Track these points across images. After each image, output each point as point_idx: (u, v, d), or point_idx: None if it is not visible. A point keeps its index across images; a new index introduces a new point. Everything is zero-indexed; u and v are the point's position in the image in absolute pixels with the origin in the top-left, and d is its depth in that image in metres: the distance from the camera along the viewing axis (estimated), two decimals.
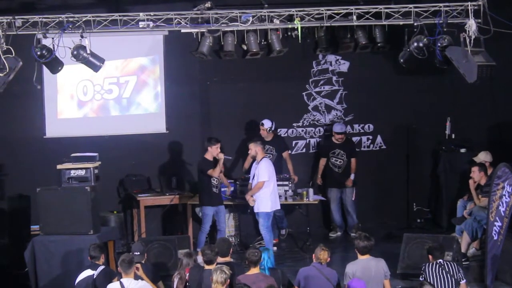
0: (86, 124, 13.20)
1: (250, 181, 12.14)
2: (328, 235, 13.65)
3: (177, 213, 13.29)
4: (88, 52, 10.60)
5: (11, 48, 10.30)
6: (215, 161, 11.97)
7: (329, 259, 9.21)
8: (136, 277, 8.88)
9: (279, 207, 12.08)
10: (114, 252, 11.24)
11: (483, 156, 12.41)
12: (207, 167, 11.89)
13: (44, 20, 10.52)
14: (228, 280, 8.33)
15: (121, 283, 8.65)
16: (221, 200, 12.18)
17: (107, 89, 13.24)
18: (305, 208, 12.85)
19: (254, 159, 12.13)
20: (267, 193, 11.81)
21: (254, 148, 11.91)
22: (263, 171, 11.77)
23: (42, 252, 10.66)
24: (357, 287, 8.66)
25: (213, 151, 11.90)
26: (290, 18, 11.04)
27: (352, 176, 13.42)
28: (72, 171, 10.88)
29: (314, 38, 13.55)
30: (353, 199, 13.45)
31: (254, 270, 8.84)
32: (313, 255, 9.25)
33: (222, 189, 12.47)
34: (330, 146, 13.50)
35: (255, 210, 11.93)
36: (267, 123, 13.02)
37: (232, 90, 13.81)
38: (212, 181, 11.95)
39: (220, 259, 9.14)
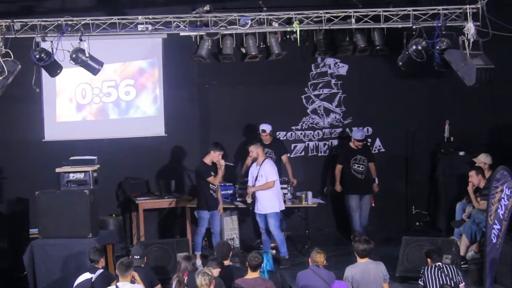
0: (85, 127, 13.20)
1: (250, 184, 12.14)
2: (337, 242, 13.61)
3: (176, 216, 13.30)
4: (87, 55, 10.59)
5: (9, 52, 10.29)
6: (214, 165, 11.95)
7: (325, 261, 9.24)
8: (133, 282, 8.88)
9: (284, 207, 12.11)
10: (113, 256, 11.24)
11: (483, 158, 12.41)
12: (206, 172, 11.88)
13: (43, 23, 10.51)
14: (214, 281, 8.32)
15: (117, 286, 8.65)
16: (218, 204, 12.18)
17: (105, 92, 13.24)
18: (304, 211, 12.84)
19: (254, 161, 12.15)
20: (275, 193, 11.91)
21: (255, 150, 11.95)
22: (270, 171, 11.88)
23: (40, 255, 10.65)
24: None
25: (215, 157, 11.90)
26: (289, 21, 11.04)
27: (376, 181, 13.35)
28: (71, 175, 10.88)
29: (313, 41, 13.52)
30: (372, 205, 13.34)
31: (253, 274, 8.85)
32: (309, 258, 9.28)
33: (223, 192, 12.52)
34: (351, 152, 13.29)
35: (263, 212, 11.97)
36: (268, 128, 12.99)
37: (231, 93, 13.81)
38: (211, 185, 11.95)
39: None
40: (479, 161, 12.37)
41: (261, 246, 12.50)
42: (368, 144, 13.82)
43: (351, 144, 13.32)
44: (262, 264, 9.02)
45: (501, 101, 13.70)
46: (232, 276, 9.06)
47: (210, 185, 11.93)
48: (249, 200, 12.15)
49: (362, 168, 13.24)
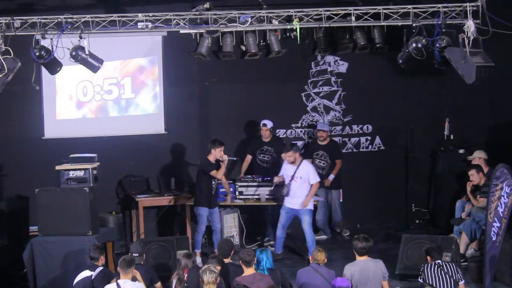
0: (84, 125, 13.19)
1: (287, 182, 12.06)
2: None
3: (176, 214, 13.30)
4: (87, 53, 10.59)
5: (9, 49, 10.29)
6: (217, 163, 11.97)
7: (325, 260, 9.26)
8: (134, 280, 8.88)
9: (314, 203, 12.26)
10: (112, 253, 11.23)
11: (478, 153, 12.45)
12: (210, 168, 11.90)
13: (42, 21, 10.51)
14: (219, 278, 8.34)
15: (117, 284, 8.66)
16: (217, 202, 12.21)
17: (107, 90, 13.24)
18: None
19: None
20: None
21: (294, 155, 11.96)
22: (314, 173, 11.99)
23: (40, 253, 10.65)
24: (343, 285, 8.65)
25: (216, 154, 11.91)
26: (289, 19, 11.03)
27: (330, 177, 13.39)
28: (71, 172, 10.88)
29: (312, 39, 13.55)
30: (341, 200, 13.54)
31: (249, 271, 8.88)
32: (310, 256, 9.30)
33: (221, 190, 12.53)
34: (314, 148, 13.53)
35: (297, 207, 11.96)
36: (269, 123, 13.03)
37: (231, 91, 13.81)
38: (212, 182, 11.97)
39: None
40: (474, 157, 12.41)
41: (270, 243, 12.54)
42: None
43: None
44: (256, 260, 9.04)
45: (501, 98, 13.71)
46: (229, 274, 9.08)
47: (212, 182, 11.95)
48: (276, 179, 12.22)
49: (323, 164, 13.36)
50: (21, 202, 12.21)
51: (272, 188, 12.51)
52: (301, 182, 11.92)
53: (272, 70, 13.68)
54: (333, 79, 14.11)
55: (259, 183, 12.67)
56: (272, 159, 13.12)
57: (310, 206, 12.04)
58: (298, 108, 14.06)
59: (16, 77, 10.54)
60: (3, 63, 10.20)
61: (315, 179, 11.94)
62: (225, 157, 11.93)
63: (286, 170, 12.11)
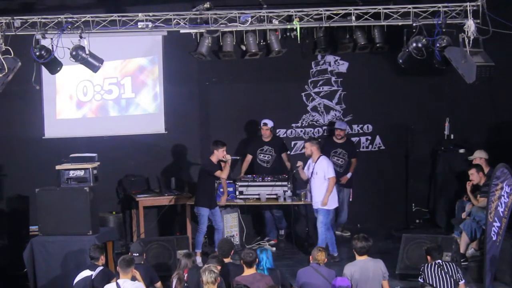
0: (85, 124, 13.19)
1: (309, 176, 12.06)
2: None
3: (176, 214, 13.30)
4: (87, 52, 10.60)
5: (10, 49, 10.30)
6: (219, 163, 11.96)
7: (326, 259, 9.26)
8: (134, 279, 8.89)
9: (337, 205, 12.18)
10: (113, 253, 11.24)
11: (478, 153, 12.45)
12: (214, 169, 11.90)
13: (43, 20, 10.52)
14: (219, 278, 8.34)
15: (117, 284, 8.67)
16: (216, 202, 12.21)
17: (107, 90, 13.24)
18: (304, 208, 12.84)
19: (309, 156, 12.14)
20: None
21: (310, 148, 11.95)
22: (328, 168, 11.90)
23: (40, 252, 10.65)
24: (343, 284, 8.65)
25: (219, 154, 11.92)
26: (289, 19, 11.04)
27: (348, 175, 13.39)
28: (71, 172, 10.88)
29: (313, 38, 13.54)
30: (350, 199, 13.48)
31: (250, 271, 8.88)
32: (310, 256, 9.30)
33: (221, 190, 12.55)
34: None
35: (315, 207, 11.97)
36: (270, 123, 13.05)
37: (231, 91, 13.81)
38: (216, 183, 11.98)
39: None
40: (475, 157, 12.41)
41: (261, 243, 12.49)
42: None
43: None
44: (257, 260, 9.03)
45: (501, 98, 13.70)
46: (229, 274, 9.08)
47: (215, 183, 11.95)
48: (299, 163, 12.18)
49: (341, 161, 13.33)
50: (21, 202, 12.22)
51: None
52: (317, 178, 11.90)
53: (272, 70, 13.68)
54: (333, 78, 14.12)
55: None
56: (272, 158, 13.12)
57: (327, 206, 11.93)
58: (298, 107, 14.06)
59: (16, 77, 10.54)
60: (3, 62, 10.21)
61: (329, 173, 11.88)
62: (228, 157, 11.94)
63: (309, 166, 12.12)
